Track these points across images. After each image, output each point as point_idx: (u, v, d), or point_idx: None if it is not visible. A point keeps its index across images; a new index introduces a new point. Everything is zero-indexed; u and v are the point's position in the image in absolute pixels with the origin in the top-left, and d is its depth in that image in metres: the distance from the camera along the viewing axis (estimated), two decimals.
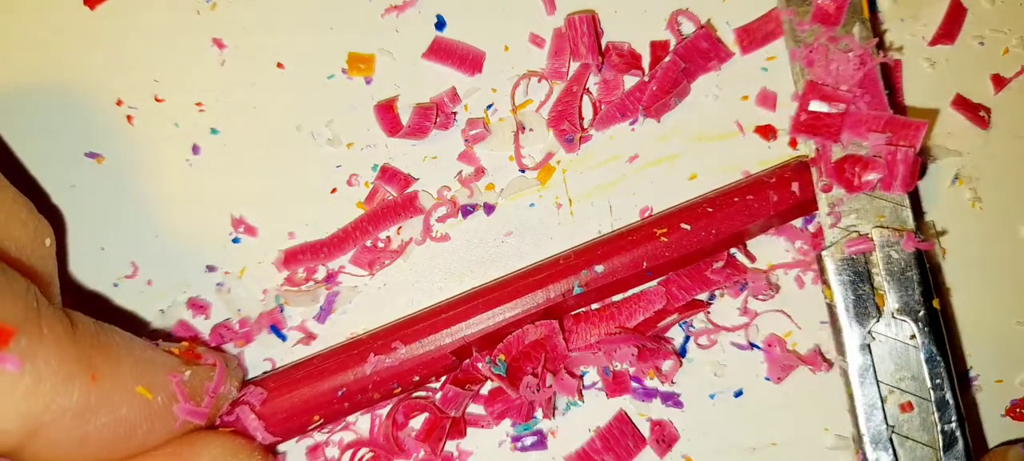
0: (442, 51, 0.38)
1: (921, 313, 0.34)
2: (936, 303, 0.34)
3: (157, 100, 0.37)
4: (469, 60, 0.38)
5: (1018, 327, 0.39)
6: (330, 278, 0.37)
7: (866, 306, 0.34)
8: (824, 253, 0.35)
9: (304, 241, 0.37)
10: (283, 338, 0.37)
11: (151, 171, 0.37)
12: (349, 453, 0.36)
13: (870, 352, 0.34)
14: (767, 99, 0.38)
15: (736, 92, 0.39)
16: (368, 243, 0.37)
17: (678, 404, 0.37)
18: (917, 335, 0.34)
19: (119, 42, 0.37)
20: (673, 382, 0.37)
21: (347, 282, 0.37)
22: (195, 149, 0.37)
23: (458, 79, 0.38)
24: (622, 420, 0.37)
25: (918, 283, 0.34)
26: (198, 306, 0.37)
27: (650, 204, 0.38)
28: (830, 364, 0.37)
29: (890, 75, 0.38)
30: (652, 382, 0.37)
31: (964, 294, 0.39)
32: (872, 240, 0.34)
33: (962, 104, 0.39)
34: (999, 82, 0.39)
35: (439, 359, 0.34)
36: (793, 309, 0.38)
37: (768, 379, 0.38)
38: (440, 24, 0.38)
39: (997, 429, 0.38)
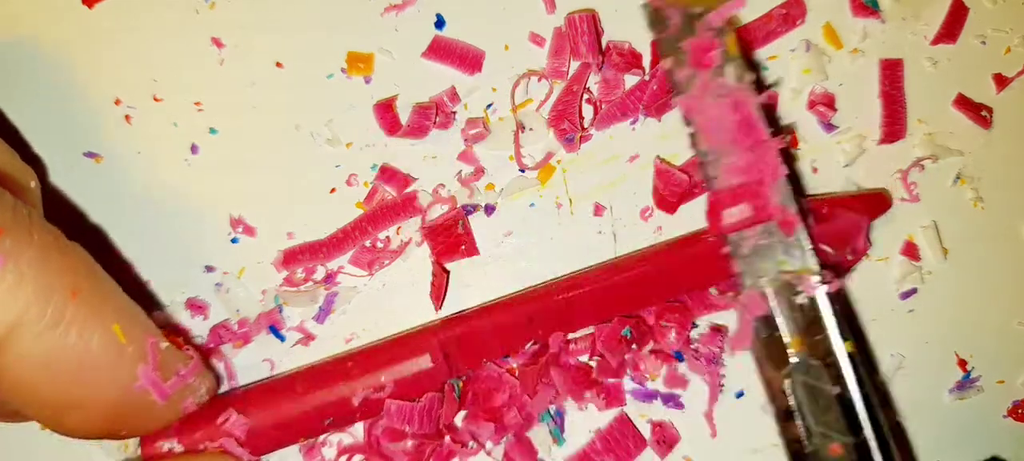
0: (442, 50, 0.38)
1: (835, 356, 0.33)
2: (849, 347, 0.33)
3: (156, 99, 0.37)
4: (469, 59, 0.38)
5: (1020, 327, 0.39)
6: (329, 278, 0.37)
7: (783, 353, 0.33)
8: (739, 302, 0.34)
9: (303, 241, 0.37)
10: (281, 339, 0.37)
11: (150, 171, 0.37)
12: (345, 457, 0.36)
13: (795, 396, 0.33)
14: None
15: None
16: (367, 243, 0.37)
17: (679, 405, 0.37)
18: (833, 378, 0.33)
19: (117, 41, 0.37)
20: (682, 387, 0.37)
21: (346, 282, 0.37)
22: (194, 149, 0.37)
23: (458, 78, 0.38)
24: (623, 421, 0.37)
25: (829, 326, 0.33)
26: (196, 306, 0.36)
27: (650, 204, 0.38)
28: None
29: (771, 113, 0.37)
30: (653, 384, 0.37)
31: (966, 294, 0.39)
32: (770, 294, 0.34)
33: (964, 103, 0.39)
34: (1001, 81, 0.39)
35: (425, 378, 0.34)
36: None
37: None
38: (439, 23, 0.38)
39: (999, 430, 0.38)
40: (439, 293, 0.36)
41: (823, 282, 0.33)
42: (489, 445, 0.36)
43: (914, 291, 0.38)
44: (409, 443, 0.35)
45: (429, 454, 0.35)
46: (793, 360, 0.33)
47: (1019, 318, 0.39)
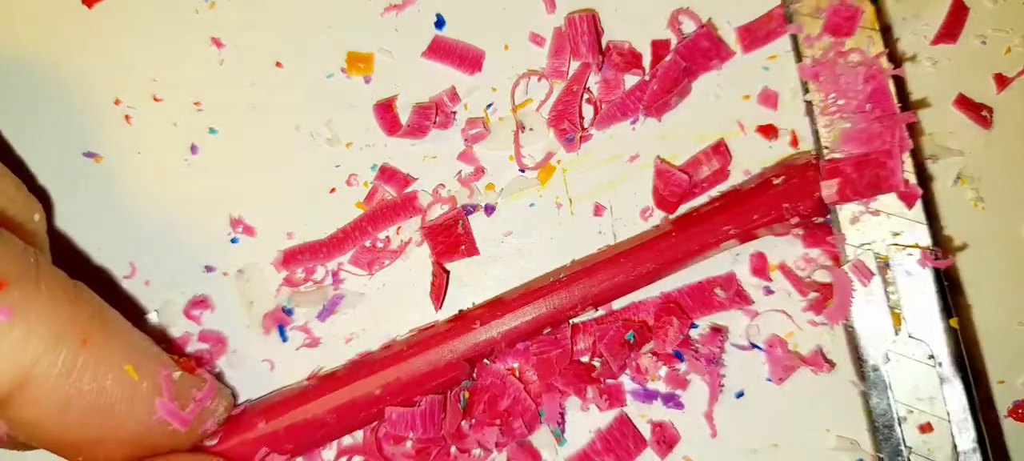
0: (442, 50, 0.38)
1: (938, 333, 0.33)
2: (953, 323, 0.33)
3: (155, 99, 0.37)
4: (469, 59, 0.38)
5: (1020, 327, 0.39)
6: (334, 279, 0.37)
7: (882, 325, 0.33)
8: (843, 269, 0.34)
9: (303, 241, 0.37)
10: (285, 339, 0.37)
11: (149, 171, 0.37)
12: (345, 459, 0.36)
13: (887, 372, 0.33)
14: (768, 98, 0.38)
15: (737, 91, 0.38)
16: (367, 243, 0.37)
17: (679, 405, 0.37)
18: (934, 355, 0.33)
19: (117, 41, 0.37)
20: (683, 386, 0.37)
21: (351, 285, 0.37)
22: (193, 149, 0.37)
23: (458, 78, 0.38)
24: (623, 422, 0.37)
25: (935, 302, 0.33)
26: (198, 305, 0.36)
27: (650, 204, 0.38)
28: (832, 365, 0.37)
29: (902, 87, 0.37)
30: (653, 384, 0.37)
31: (966, 294, 0.38)
32: (887, 258, 0.34)
33: (964, 104, 0.39)
34: (1001, 81, 0.39)
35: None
36: (794, 309, 0.38)
37: (770, 380, 0.37)
38: (439, 23, 0.38)
39: (999, 431, 0.38)
40: (439, 293, 0.36)
41: (936, 257, 0.33)
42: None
43: None
44: (409, 445, 0.35)
45: (433, 457, 0.35)
46: (894, 333, 0.33)
47: (1019, 318, 0.39)
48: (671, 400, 0.37)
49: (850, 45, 0.35)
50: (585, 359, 0.37)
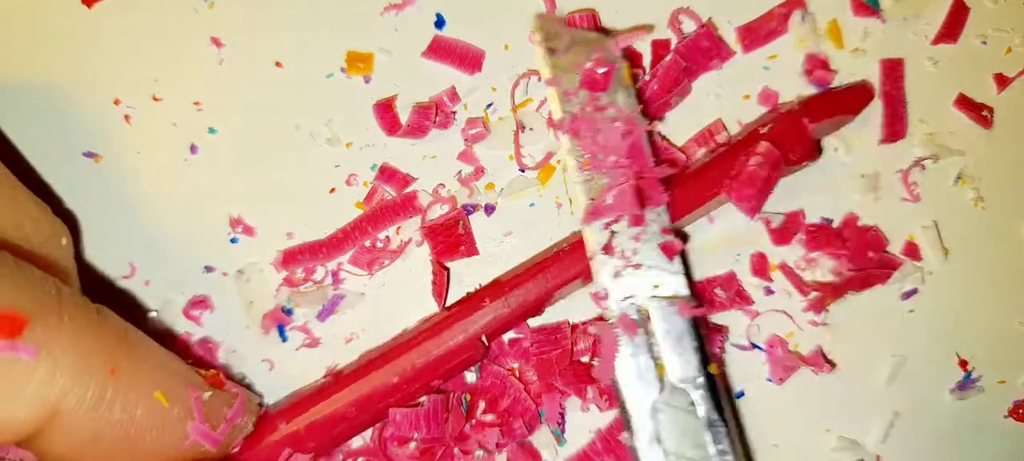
0: (442, 50, 0.38)
1: (699, 380, 0.33)
2: (713, 369, 0.33)
3: (155, 99, 0.37)
4: (469, 59, 0.38)
5: (1020, 327, 0.39)
6: (334, 279, 0.37)
7: (648, 378, 0.33)
8: (604, 324, 0.34)
9: (303, 241, 0.37)
10: (285, 339, 0.37)
11: (149, 171, 0.37)
12: None
13: (656, 423, 0.33)
14: (769, 98, 0.38)
15: (738, 91, 0.38)
16: (367, 243, 0.37)
17: None
18: (696, 403, 0.33)
19: (117, 41, 0.37)
20: None
21: (350, 285, 0.37)
22: (193, 149, 0.37)
23: (458, 78, 0.38)
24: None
25: (694, 350, 0.33)
26: (197, 305, 0.36)
27: None
28: (832, 365, 0.37)
29: (654, 142, 0.37)
30: None
31: (967, 294, 0.38)
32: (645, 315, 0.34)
33: (965, 103, 0.39)
34: (1002, 81, 0.39)
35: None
36: (794, 309, 0.38)
37: (770, 380, 0.37)
38: (439, 23, 0.38)
39: (1000, 431, 0.38)
40: (441, 291, 0.36)
41: (695, 306, 0.34)
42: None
43: (915, 291, 0.38)
44: (412, 446, 0.35)
45: (437, 458, 0.35)
46: (658, 385, 0.33)
47: (1020, 318, 0.39)
48: None
49: (606, 101, 0.35)
50: (586, 359, 0.37)
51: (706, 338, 0.34)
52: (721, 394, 0.34)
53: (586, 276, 0.35)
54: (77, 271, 0.31)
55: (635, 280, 0.34)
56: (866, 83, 0.38)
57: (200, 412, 0.29)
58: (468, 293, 0.36)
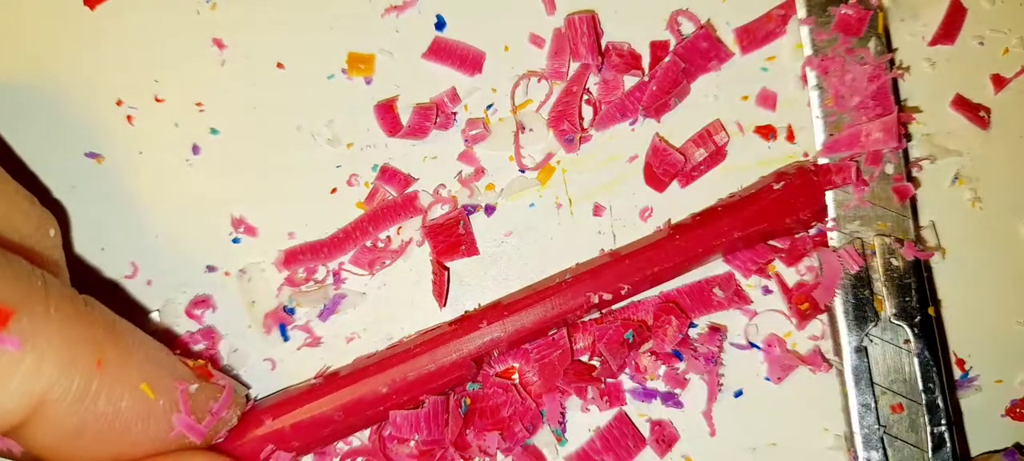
0: (442, 51, 0.38)
1: (917, 319, 0.35)
2: (931, 310, 0.35)
3: (157, 100, 0.37)
4: (469, 60, 0.38)
5: (1018, 327, 0.39)
6: (335, 279, 0.37)
7: (865, 310, 0.35)
8: (828, 250, 0.36)
9: (304, 241, 0.37)
10: (286, 338, 0.37)
11: (151, 171, 0.37)
12: None
13: (867, 354, 0.35)
14: (767, 99, 0.38)
15: (736, 92, 0.39)
16: (368, 243, 0.37)
17: (678, 404, 0.37)
18: (912, 340, 0.35)
19: (119, 42, 0.37)
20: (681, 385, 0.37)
21: (352, 285, 0.37)
22: (195, 149, 0.37)
23: (458, 79, 0.38)
24: (622, 420, 0.37)
25: (915, 290, 0.35)
26: (199, 305, 0.37)
27: (650, 204, 0.38)
28: (830, 365, 0.37)
29: (897, 89, 0.38)
30: (653, 383, 0.37)
31: (964, 294, 0.39)
32: (874, 248, 0.35)
33: (962, 104, 0.39)
34: (999, 82, 0.39)
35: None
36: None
37: (768, 379, 0.38)
38: (440, 24, 0.38)
39: (997, 429, 0.38)
40: (441, 290, 0.37)
41: (920, 249, 0.35)
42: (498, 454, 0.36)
43: None
44: (412, 444, 0.35)
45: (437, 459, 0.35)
46: (876, 318, 0.35)
47: (1017, 317, 0.39)
48: (670, 399, 0.37)
49: (858, 45, 0.36)
50: (585, 359, 0.37)
51: (927, 281, 0.36)
52: (936, 336, 0.35)
53: (588, 308, 0.35)
54: (66, 262, 0.31)
55: (863, 216, 0.36)
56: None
57: (186, 404, 0.29)
58: (466, 312, 0.36)
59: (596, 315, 0.37)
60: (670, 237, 0.35)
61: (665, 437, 0.37)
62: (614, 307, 0.37)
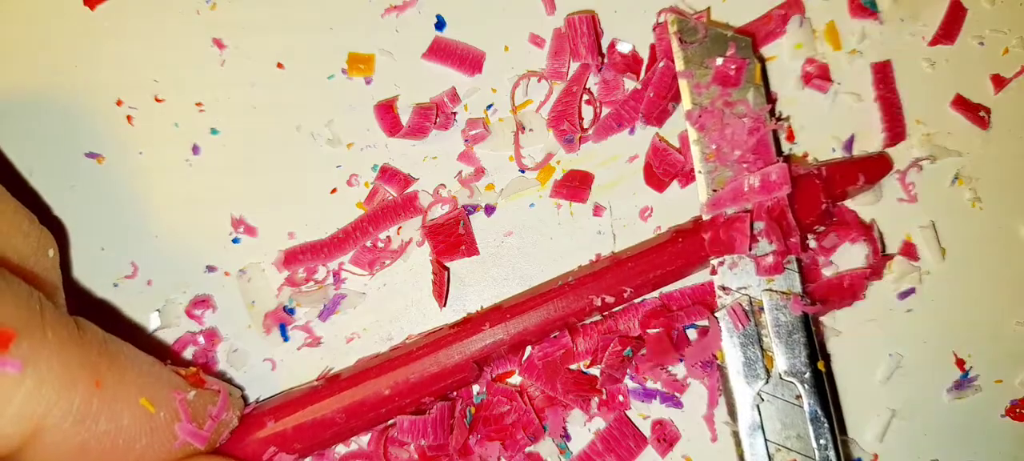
0: (442, 51, 0.38)
1: (807, 375, 0.34)
2: (821, 365, 0.35)
3: (157, 100, 0.37)
4: (469, 60, 0.38)
5: (1018, 327, 0.39)
6: (335, 279, 0.37)
7: (755, 368, 0.35)
8: (717, 315, 0.35)
9: (304, 241, 0.37)
10: (286, 338, 0.37)
11: (151, 171, 0.37)
12: None
13: (759, 412, 0.34)
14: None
15: None
16: (368, 243, 0.37)
17: (678, 404, 0.37)
18: (803, 395, 0.34)
19: (119, 42, 0.37)
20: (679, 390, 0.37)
21: (352, 285, 0.37)
22: (195, 149, 0.37)
23: (458, 79, 0.38)
24: (623, 421, 0.37)
25: (804, 346, 0.35)
26: (199, 305, 0.37)
27: (650, 204, 0.38)
28: (828, 364, 0.37)
29: (778, 141, 0.38)
30: (653, 383, 0.37)
31: (964, 294, 0.39)
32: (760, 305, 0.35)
33: (962, 104, 0.39)
34: (999, 82, 0.39)
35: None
36: None
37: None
38: (440, 24, 0.38)
39: (997, 430, 0.38)
40: (441, 290, 0.37)
41: (807, 304, 0.35)
42: None
43: (912, 291, 0.39)
44: (412, 447, 0.35)
45: None
46: (765, 375, 0.34)
47: (1017, 318, 0.39)
48: (670, 399, 0.37)
49: (736, 97, 0.36)
50: (585, 362, 0.37)
51: (815, 334, 0.35)
52: (825, 391, 0.34)
53: (590, 311, 0.35)
54: (62, 282, 0.31)
55: (750, 272, 0.35)
56: (884, 155, 0.39)
57: (186, 413, 0.29)
58: (468, 314, 0.37)
59: (598, 318, 0.37)
60: (672, 240, 0.35)
61: (666, 436, 0.37)
62: (614, 309, 0.37)
